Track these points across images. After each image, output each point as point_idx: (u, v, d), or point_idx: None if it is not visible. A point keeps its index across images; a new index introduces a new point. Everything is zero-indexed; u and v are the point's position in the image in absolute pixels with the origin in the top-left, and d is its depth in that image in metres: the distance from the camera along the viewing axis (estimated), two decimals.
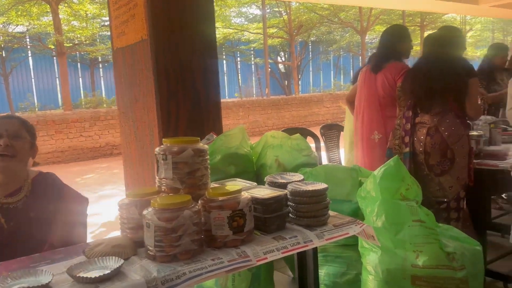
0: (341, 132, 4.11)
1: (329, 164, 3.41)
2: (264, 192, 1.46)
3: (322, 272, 2.17)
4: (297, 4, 17.26)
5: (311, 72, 24.01)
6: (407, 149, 2.53)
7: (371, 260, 1.83)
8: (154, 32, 2.50)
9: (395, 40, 2.97)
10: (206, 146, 1.40)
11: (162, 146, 1.36)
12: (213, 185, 1.55)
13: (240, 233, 1.28)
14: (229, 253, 1.25)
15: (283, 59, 22.28)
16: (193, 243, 1.21)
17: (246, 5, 18.95)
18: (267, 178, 1.66)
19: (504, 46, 4.13)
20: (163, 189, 1.35)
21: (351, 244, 2.14)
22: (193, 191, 1.33)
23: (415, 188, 1.94)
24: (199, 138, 1.40)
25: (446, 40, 2.56)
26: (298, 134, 2.59)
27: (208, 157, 1.40)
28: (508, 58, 4.02)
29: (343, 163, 3.93)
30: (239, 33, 19.58)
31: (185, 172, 1.33)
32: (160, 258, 1.20)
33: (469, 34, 24.29)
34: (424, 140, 2.48)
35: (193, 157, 1.33)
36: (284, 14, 18.61)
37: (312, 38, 21.62)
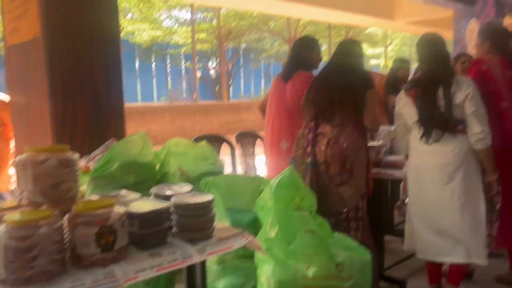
0: (257, 140, 4.12)
1: (231, 173, 3.39)
2: (145, 205, 1.38)
3: (221, 284, 2.12)
4: (227, 10, 17.31)
5: (242, 78, 24.19)
6: (309, 159, 2.56)
7: (265, 271, 1.81)
8: (48, 28, 2.31)
9: (304, 51, 3.02)
10: (75, 156, 1.28)
11: (22, 155, 1.23)
12: (91, 198, 1.44)
13: (109, 251, 1.19)
14: (94, 274, 1.14)
15: (215, 64, 22.25)
16: (52, 263, 1.10)
17: (175, 8, 18.69)
18: (152, 190, 1.58)
19: (406, 60, 4.40)
20: (23, 203, 1.22)
21: (251, 255, 2.11)
22: (58, 206, 1.22)
23: (310, 198, 1.96)
24: (68, 146, 1.28)
25: (346, 52, 2.63)
26: (203, 142, 2.52)
27: (77, 167, 1.28)
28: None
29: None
30: (168, 36, 19.23)
31: (49, 184, 1.21)
32: (11, 282, 1.07)
33: (389, 48, 25.84)
34: (324, 150, 2.53)
35: (57, 168, 1.21)
36: (214, 19, 18.59)
37: (243, 45, 21.79)
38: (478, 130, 2.26)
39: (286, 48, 21.68)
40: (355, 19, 9.31)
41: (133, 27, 17.07)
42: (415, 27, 9.54)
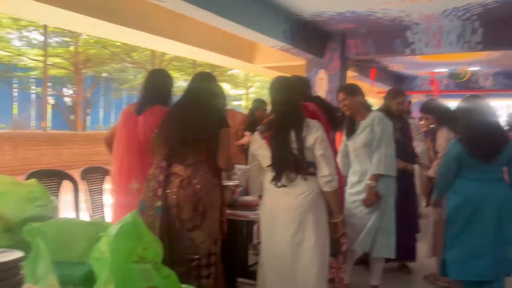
0: (107, 175, 3.75)
1: (63, 218, 2.98)
2: None
3: None
4: (87, 36, 16.35)
5: (101, 108, 22.86)
6: (160, 203, 2.35)
7: None
8: None
9: (166, 84, 2.86)
10: None
11: None
12: None
13: None
14: None
15: (71, 92, 20.59)
16: None
17: (26, 29, 16.86)
18: None
19: (264, 101, 4.57)
20: None
21: None
22: None
23: (155, 247, 1.74)
24: None
25: (200, 88, 2.53)
26: (33, 180, 2.14)
27: None
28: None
29: None
30: (17, 57, 17.29)
31: None
32: None
33: (251, 90, 27.27)
34: (177, 192, 2.36)
35: None
36: (72, 44, 17.32)
37: (104, 74, 20.71)
38: (326, 173, 2.34)
39: None
40: (218, 59, 9.52)
41: None
42: (272, 71, 10.16)
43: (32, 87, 20.09)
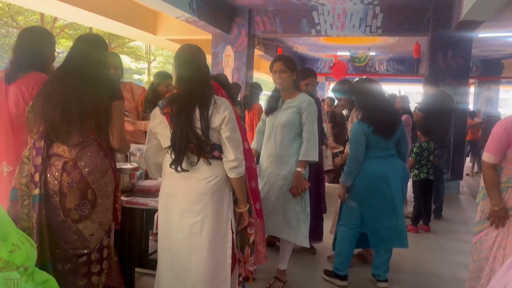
0: None
1: None
2: None
3: None
4: None
5: None
6: (37, 191, 1.95)
7: None
8: None
9: (44, 44, 2.35)
10: None
11: None
12: None
13: None
14: None
15: None
16: None
17: None
18: None
19: (169, 75, 4.18)
20: None
21: None
22: None
23: (25, 249, 1.40)
24: None
25: (87, 53, 2.11)
26: None
27: None
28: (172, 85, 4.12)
29: None
30: None
31: None
32: None
33: (153, 65, 26.06)
34: (59, 177, 1.97)
35: None
36: None
37: None
38: (231, 157, 2.10)
39: None
40: (118, 28, 8.75)
41: None
42: (176, 44, 9.65)
43: None
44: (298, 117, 2.99)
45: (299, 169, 2.94)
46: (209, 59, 8.51)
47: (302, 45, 11.45)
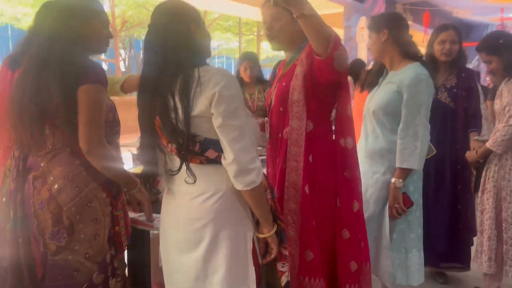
0: None
1: None
2: None
3: None
4: None
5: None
6: (11, 214, 1.51)
7: None
8: None
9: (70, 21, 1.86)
10: None
11: None
12: None
13: None
14: None
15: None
16: None
17: None
18: None
19: (244, 55, 3.50)
20: None
21: None
22: None
23: None
24: None
25: (52, 28, 1.49)
26: None
27: None
28: None
29: None
30: None
31: None
32: None
33: None
34: (31, 196, 1.49)
35: None
36: (107, 7, 16.71)
37: (142, 36, 20.19)
38: (229, 159, 1.31)
39: None
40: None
41: (15, 10, 14.86)
42: None
43: None
44: (398, 98, 2.02)
45: (393, 179, 1.99)
46: (341, 34, 7.56)
47: (463, 8, 9.51)
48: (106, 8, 17.29)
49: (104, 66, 19.42)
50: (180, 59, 1.32)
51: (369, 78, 2.26)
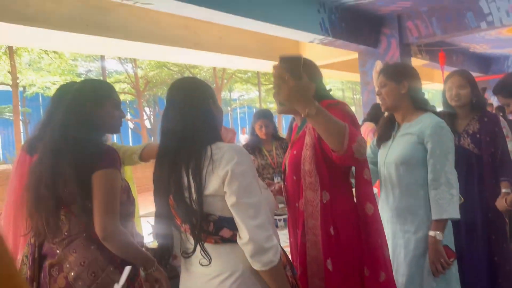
0: None
1: None
2: None
3: None
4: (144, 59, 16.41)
5: None
6: None
7: None
8: None
9: (85, 106, 1.94)
10: None
11: None
12: None
13: None
14: None
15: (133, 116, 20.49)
16: None
17: (85, 59, 17.04)
18: None
19: (262, 113, 3.49)
20: None
21: None
22: None
23: None
24: None
25: (68, 114, 1.53)
26: None
27: None
28: None
29: None
30: None
31: None
32: None
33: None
34: (48, 285, 1.48)
35: None
36: (130, 70, 17.30)
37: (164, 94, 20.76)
38: (245, 238, 1.27)
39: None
40: (267, 65, 8.62)
41: (44, 80, 15.68)
42: (326, 71, 8.99)
43: None
44: (421, 148, 1.96)
45: (432, 233, 1.89)
46: (358, 78, 7.59)
47: (480, 43, 9.47)
48: (130, 71, 18.11)
49: (130, 125, 20.10)
50: (197, 135, 1.33)
51: (381, 132, 2.21)
